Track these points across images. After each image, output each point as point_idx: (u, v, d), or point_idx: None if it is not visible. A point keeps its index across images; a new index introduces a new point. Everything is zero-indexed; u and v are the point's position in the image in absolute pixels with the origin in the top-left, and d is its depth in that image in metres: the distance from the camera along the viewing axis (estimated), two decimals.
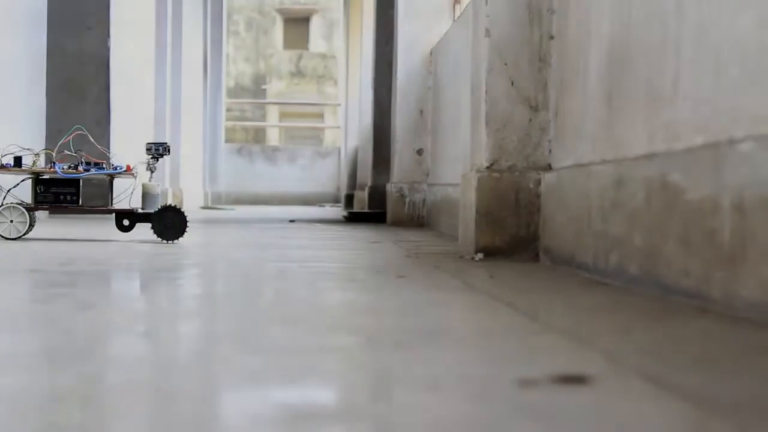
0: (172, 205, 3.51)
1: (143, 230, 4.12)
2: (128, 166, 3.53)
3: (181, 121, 10.56)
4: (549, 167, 2.80)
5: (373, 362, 1.12)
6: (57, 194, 3.47)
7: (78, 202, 3.48)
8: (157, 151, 3.53)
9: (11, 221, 3.42)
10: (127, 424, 0.81)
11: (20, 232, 3.42)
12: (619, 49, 2.21)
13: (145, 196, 3.56)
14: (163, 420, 0.83)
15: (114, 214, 3.57)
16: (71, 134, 3.42)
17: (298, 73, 26.26)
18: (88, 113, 7.14)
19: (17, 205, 3.43)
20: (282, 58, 26.41)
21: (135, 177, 3.57)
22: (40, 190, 3.46)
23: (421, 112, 6.00)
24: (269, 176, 17.28)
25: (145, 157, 3.55)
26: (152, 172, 3.58)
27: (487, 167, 2.82)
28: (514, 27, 2.83)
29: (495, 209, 2.78)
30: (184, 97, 10.79)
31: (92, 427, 0.79)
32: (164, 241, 3.47)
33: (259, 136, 25.48)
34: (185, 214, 3.50)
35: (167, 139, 9.66)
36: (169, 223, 3.46)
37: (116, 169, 3.49)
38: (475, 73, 2.99)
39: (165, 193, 9.44)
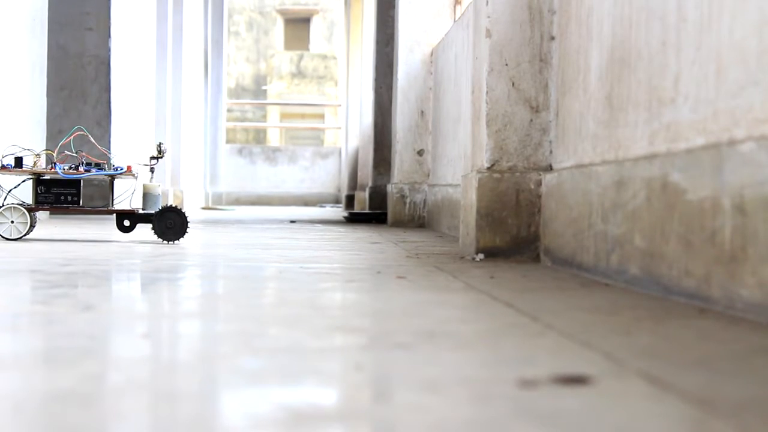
0: (173, 205, 3.51)
1: (144, 231, 4.12)
2: (129, 167, 3.53)
3: (181, 122, 10.57)
4: (550, 168, 2.80)
5: (374, 363, 1.12)
6: (58, 195, 3.48)
7: (79, 203, 3.49)
8: (165, 150, 3.55)
9: (12, 222, 3.42)
10: (128, 423, 0.81)
11: (21, 233, 3.42)
12: (619, 49, 2.21)
13: (146, 196, 3.56)
14: (164, 420, 0.83)
15: (115, 215, 3.57)
16: (72, 134, 3.43)
17: (299, 74, 26.27)
18: (88, 114, 7.15)
19: (18, 206, 3.44)
20: (283, 58, 26.42)
21: (135, 177, 3.58)
22: (41, 190, 3.47)
23: (422, 112, 6.00)
24: (270, 177, 17.28)
25: (146, 158, 3.57)
26: (152, 172, 3.58)
27: (488, 168, 2.82)
28: (515, 27, 2.83)
29: (496, 210, 2.78)
30: (184, 98, 10.79)
31: (93, 427, 0.79)
32: (165, 242, 3.47)
33: (259, 136, 25.49)
34: (186, 214, 3.50)
35: (168, 140, 9.66)
36: (170, 223, 3.46)
37: (117, 169, 3.50)
38: (476, 73, 2.99)
39: (166, 194, 9.44)
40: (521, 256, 2.76)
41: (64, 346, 1.18)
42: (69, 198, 3.48)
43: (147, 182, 3.60)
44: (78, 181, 3.49)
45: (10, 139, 5.06)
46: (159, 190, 3.58)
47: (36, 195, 3.47)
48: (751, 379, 1.03)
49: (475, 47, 3.01)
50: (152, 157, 3.54)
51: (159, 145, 3.54)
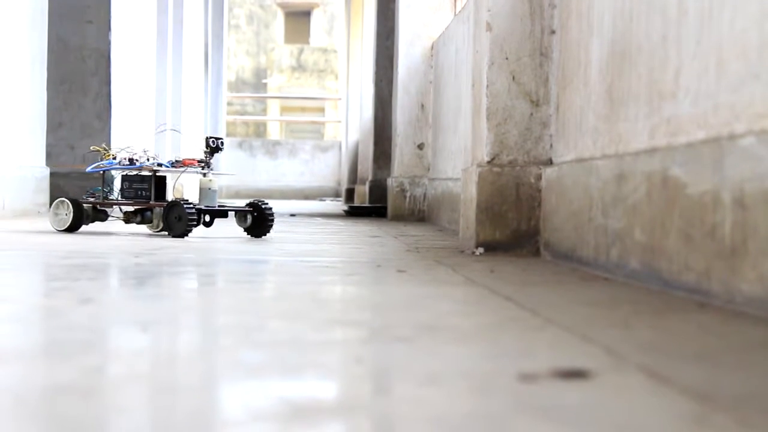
0: (181, 199, 3.46)
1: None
2: (185, 161, 3.51)
3: (182, 115, 10.55)
4: (550, 162, 2.80)
5: (374, 356, 1.12)
6: (136, 190, 3.55)
7: (150, 198, 3.53)
8: (213, 145, 3.52)
9: (66, 214, 3.55)
10: (128, 416, 0.81)
11: (66, 224, 3.53)
12: (620, 43, 2.21)
13: (201, 191, 3.53)
14: (164, 413, 0.83)
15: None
16: (162, 132, 3.51)
17: (299, 67, 26.25)
18: (89, 107, 7.14)
19: (65, 200, 3.56)
20: (283, 52, 26.40)
21: (203, 172, 3.58)
22: (125, 186, 3.57)
23: (422, 106, 6.00)
24: (270, 170, 17.28)
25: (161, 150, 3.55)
26: (208, 167, 3.54)
27: (488, 162, 2.82)
28: (516, 21, 2.83)
29: (496, 204, 2.78)
30: (185, 91, 10.78)
31: (93, 420, 0.79)
32: (171, 237, 3.41)
33: (259, 130, 25.48)
34: (190, 208, 3.41)
35: (168, 133, 9.64)
36: (177, 217, 3.41)
37: (161, 165, 3.52)
38: (476, 67, 2.98)
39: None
40: (521, 250, 2.76)
41: (65, 339, 1.18)
42: (142, 193, 3.54)
43: (202, 177, 3.56)
44: (149, 177, 3.52)
45: (10, 132, 5.06)
46: (215, 185, 3.54)
47: (121, 190, 3.56)
48: (751, 373, 1.04)
49: (476, 41, 3.00)
50: (207, 152, 3.52)
51: (207, 140, 3.51)
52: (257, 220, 3.54)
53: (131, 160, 3.53)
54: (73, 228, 3.55)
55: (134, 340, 1.21)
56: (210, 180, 3.55)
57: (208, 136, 3.60)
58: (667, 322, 1.42)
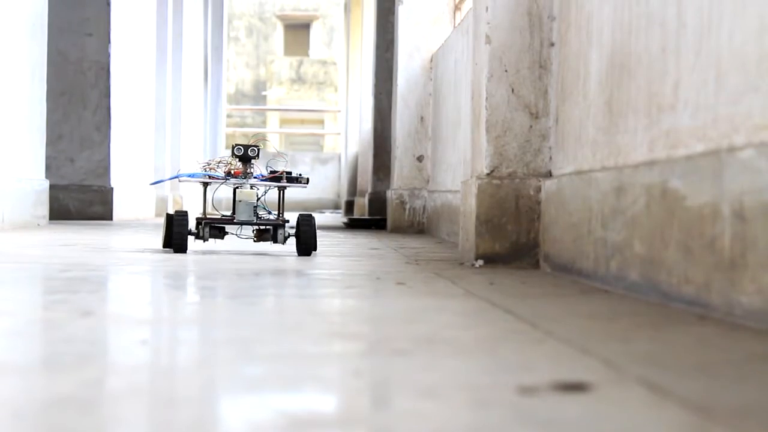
0: (182, 210, 3.38)
1: (144, 237, 4.11)
2: (238, 171, 3.35)
3: (181, 127, 10.56)
4: (549, 174, 2.80)
5: (373, 369, 1.12)
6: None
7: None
8: (244, 152, 3.35)
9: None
10: (127, 429, 0.81)
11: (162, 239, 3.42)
12: (619, 55, 2.21)
13: (239, 204, 3.36)
14: (163, 426, 0.83)
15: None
16: (257, 140, 3.37)
17: (299, 80, 26.29)
18: (88, 119, 7.15)
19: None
20: (282, 64, 26.44)
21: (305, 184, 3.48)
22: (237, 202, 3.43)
23: (422, 118, 6.01)
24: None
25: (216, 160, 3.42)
26: (245, 177, 3.37)
27: (488, 174, 2.82)
28: (515, 34, 2.83)
29: (495, 216, 2.78)
30: (184, 103, 10.79)
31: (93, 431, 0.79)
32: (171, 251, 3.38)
33: None
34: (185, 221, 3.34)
35: (167, 146, 9.66)
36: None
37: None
38: (476, 79, 2.99)
39: (165, 199, 9.43)
40: (521, 262, 2.76)
41: (64, 352, 1.18)
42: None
43: (239, 189, 3.37)
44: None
45: (10, 143, 5.06)
46: (253, 198, 3.36)
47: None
48: (751, 386, 1.03)
49: (475, 53, 3.01)
50: (239, 159, 3.36)
51: (233, 148, 3.34)
52: (295, 235, 3.32)
53: (229, 173, 3.35)
54: (169, 244, 3.32)
55: (133, 353, 1.21)
56: (242, 191, 3.35)
57: (234, 144, 3.45)
58: (666, 335, 1.42)
